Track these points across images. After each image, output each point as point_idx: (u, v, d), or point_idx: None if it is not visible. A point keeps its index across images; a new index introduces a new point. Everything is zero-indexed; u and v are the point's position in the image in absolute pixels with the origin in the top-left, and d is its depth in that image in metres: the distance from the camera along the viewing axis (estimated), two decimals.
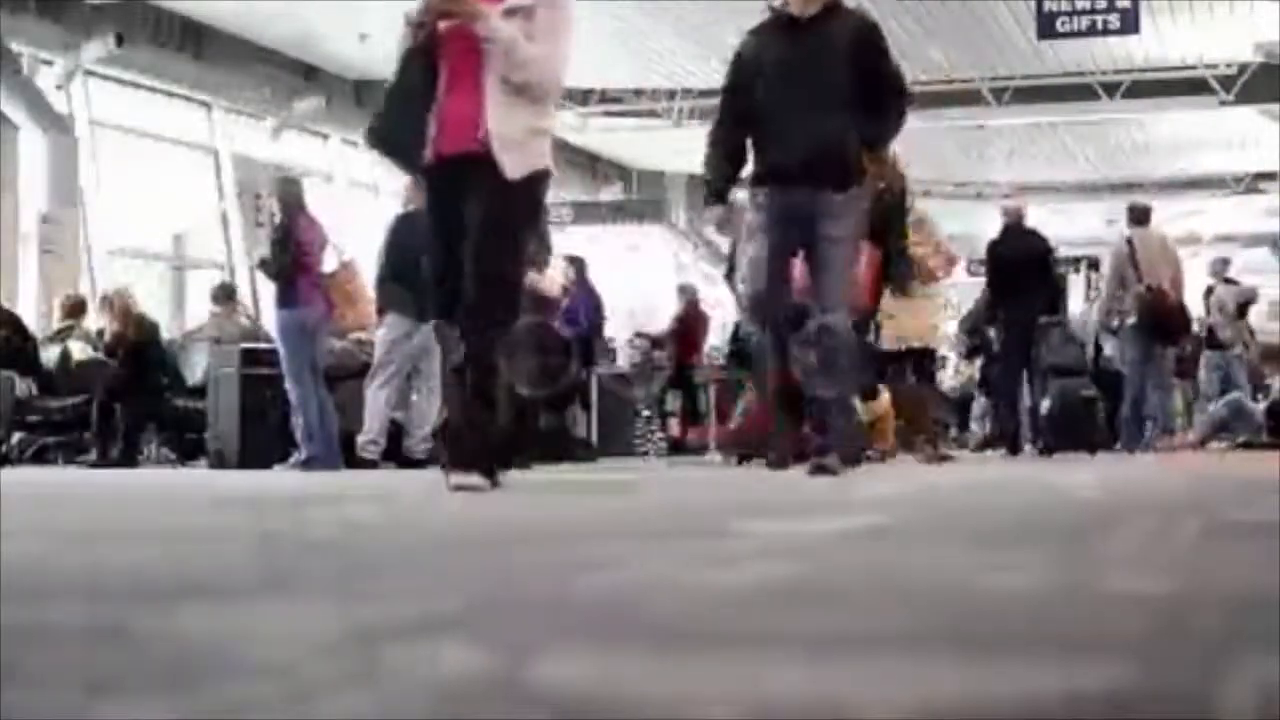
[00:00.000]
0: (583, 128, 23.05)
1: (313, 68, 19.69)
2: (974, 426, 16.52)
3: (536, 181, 5.51)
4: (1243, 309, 16.05)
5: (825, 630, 1.45)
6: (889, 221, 9.51)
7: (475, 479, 5.19)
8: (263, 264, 10.95)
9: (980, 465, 10.55)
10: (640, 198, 26.41)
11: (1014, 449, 12.51)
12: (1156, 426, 13.13)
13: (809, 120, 6.92)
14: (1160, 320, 12.86)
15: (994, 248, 13.10)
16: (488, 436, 5.41)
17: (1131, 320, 12.95)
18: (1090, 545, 2.61)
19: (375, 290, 10.37)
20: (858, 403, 9.13)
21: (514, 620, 1.54)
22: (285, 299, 10.35)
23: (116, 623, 1.49)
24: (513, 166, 5.34)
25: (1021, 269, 12.65)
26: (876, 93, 7.05)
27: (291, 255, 10.30)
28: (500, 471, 5.46)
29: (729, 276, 10.76)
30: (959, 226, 26.08)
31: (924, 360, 10.85)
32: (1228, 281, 16.44)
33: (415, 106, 5.47)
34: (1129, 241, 13.21)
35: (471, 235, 5.34)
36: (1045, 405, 13.40)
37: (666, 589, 1.89)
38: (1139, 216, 13.48)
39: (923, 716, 1.00)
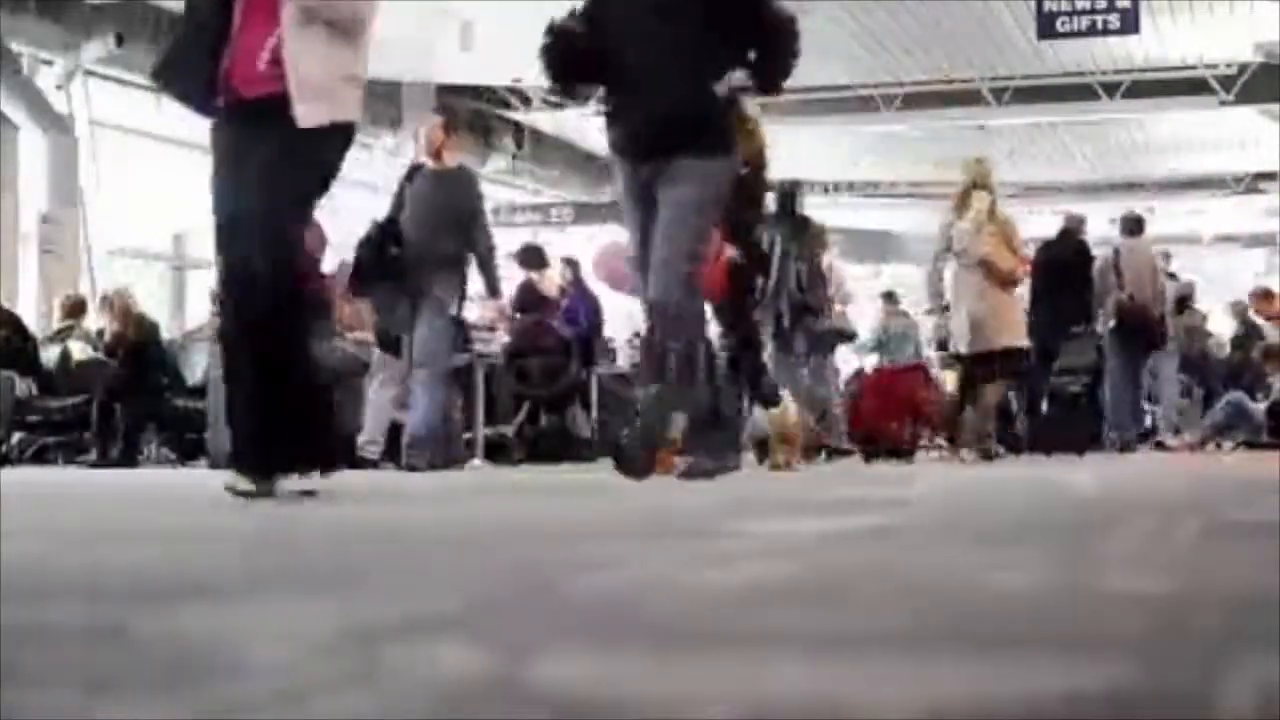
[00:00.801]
0: (583, 128, 23.03)
1: None
2: None
3: (335, 136, 4.67)
4: (1181, 304, 16.29)
5: (825, 630, 1.44)
6: (744, 200, 8.08)
7: (248, 485, 4.50)
8: None
9: (982, 465, 10.55)
10: None
11: (1018, 448, 12.71)
12: (1141, 427, 13.68)
13: (657, 76, 6.03)
14: (1139, 327, 13.38)
15: (1044, 251, 13.48)
16: (301, 436, 4.63)
17: (1111, 324, 13.49)
18: (1090, 545, 2.61)
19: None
20: (759, 411, 8.45)
21: (513, 620, 1.54)
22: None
23: (116, 623, 1.49)
24: (309, 114, 4.53)
25: (1062, 277, 13.00)
26: (750, 17, 6.08)
27: None
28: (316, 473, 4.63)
29: None
30: None
31: (1016, 360, 11.33)
32: (1169, 276, 16.63)
33: (208, 40, 4.66)
34: (1115, 251, 13.72)
35: (251, 197, 4.55)
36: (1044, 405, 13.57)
37: (666, 589, 1.89)
38: (1130, 227, 14.08)
39: (923, 716, 1.00)
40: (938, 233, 11.51)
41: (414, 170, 9.71)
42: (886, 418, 11.60)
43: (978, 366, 11.02)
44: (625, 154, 6.28)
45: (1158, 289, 13.66)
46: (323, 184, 4.81)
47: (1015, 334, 11.10)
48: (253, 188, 4.56)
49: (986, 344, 10.87)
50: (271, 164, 4.55)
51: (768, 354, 11.63)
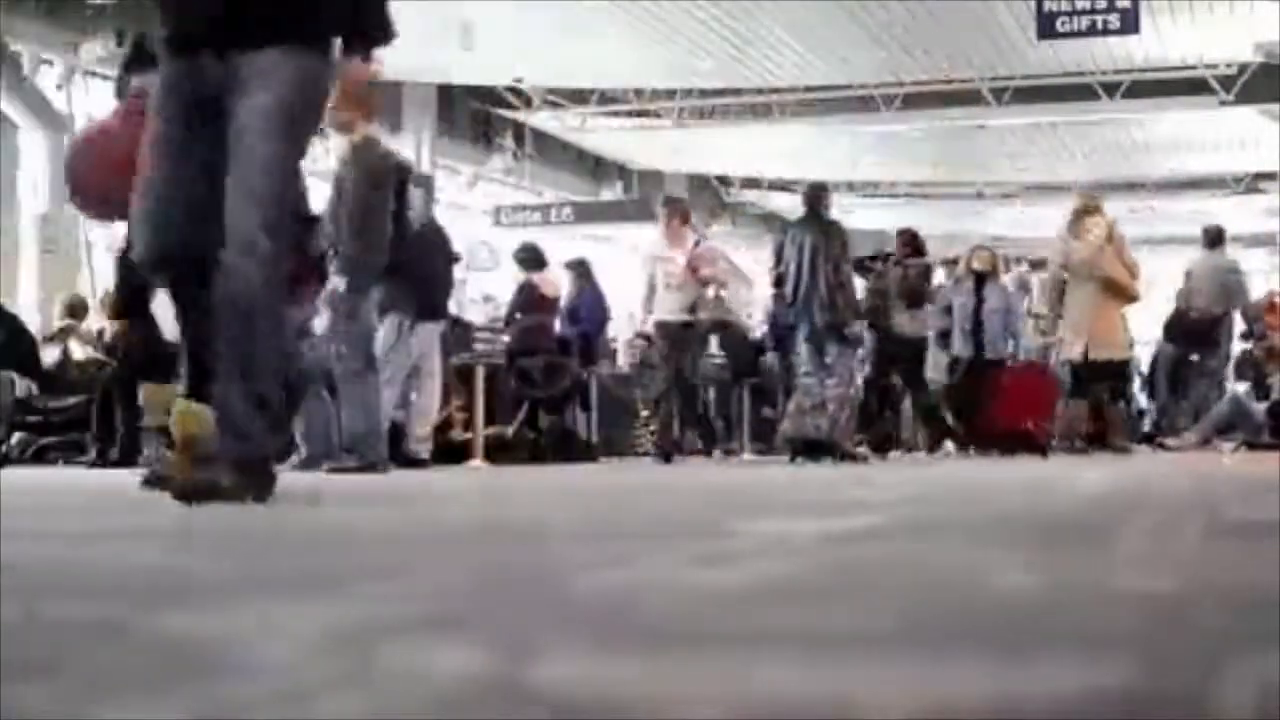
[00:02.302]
0: (583, 127, 23.03)
1: None
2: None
3: None
4: None
5: (824, 630, 1.44)
6: None
7: None
8: None
9: (985, 465, 10.55)
10: (640, 198, 26.39)
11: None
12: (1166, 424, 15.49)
13: None
14: (1181, 333, 15.18)
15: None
16: None
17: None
18: (1090, 544, 2.60)
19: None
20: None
21: (511, 620, 1.54)
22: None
23: (116, 623, 1.49)
24: None
25: None
26: None
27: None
28: None
29: None
30: (959, 226, 26.06)
31: (1121, 372, 12.97)
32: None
33: None
34: (1188, 272, 15.47)
35: None
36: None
37: (665, 589, 1.88)
38: (1208, 240, 15.58)
39: (924, 716, 0.99)
40: (1056, 252, 12.81)
41: None
42: (1022, 418, 12.49)
43: (1089, 372, 12.29)
44: (177, 44, 4.47)
45: (1221, 294, 15.06)
46: None
47: (1125, 345, 12.56)
48: None
49: (1100, 353, 12.16)
50: None
51: (802, 355, 11.88)
